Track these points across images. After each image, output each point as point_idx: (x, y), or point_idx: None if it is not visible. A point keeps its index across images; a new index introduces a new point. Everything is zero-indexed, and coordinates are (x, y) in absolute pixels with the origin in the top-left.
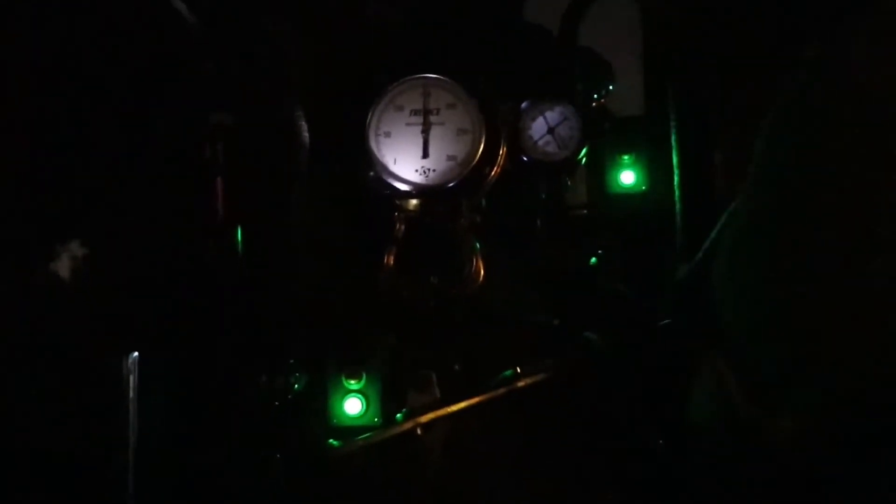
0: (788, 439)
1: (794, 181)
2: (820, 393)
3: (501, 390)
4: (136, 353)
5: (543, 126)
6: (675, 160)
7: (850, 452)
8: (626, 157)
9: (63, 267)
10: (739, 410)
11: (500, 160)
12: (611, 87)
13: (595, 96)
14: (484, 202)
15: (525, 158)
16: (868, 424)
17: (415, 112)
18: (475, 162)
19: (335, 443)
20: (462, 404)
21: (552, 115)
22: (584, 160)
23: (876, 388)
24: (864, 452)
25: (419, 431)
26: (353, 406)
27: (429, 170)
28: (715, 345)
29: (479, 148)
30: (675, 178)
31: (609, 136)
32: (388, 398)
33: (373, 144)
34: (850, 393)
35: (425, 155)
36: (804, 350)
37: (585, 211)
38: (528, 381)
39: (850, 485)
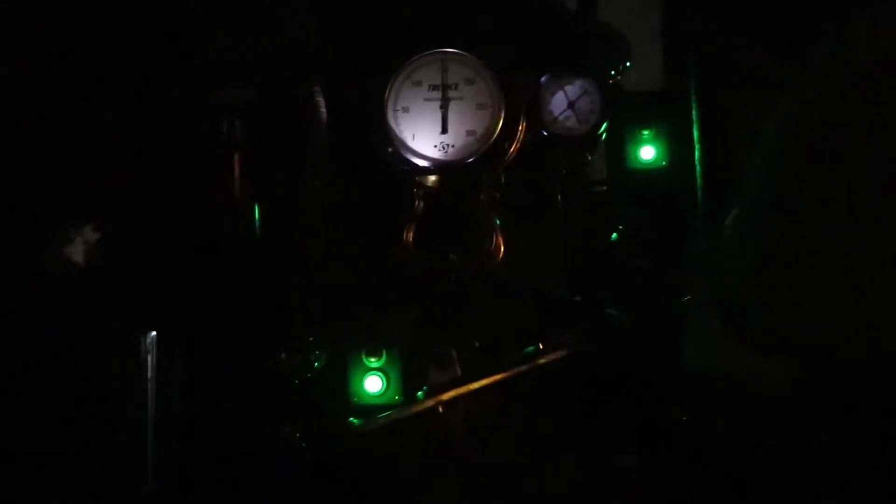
0: (775, 383)
1: (798, 157)
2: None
3: (523, 367)
4: (153, 333)
5: (563, 100)
6: (695, 135)
7: (830, 400)
8: (645, 133)
9: (77, 250)
10: (730, 357)
11: (520, 135)
12: (628, 63)
13: (613, 72)
14: (503, 178)
15: (545, 133)
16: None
17: (433, 87)
18: (494, 137)
19: (356, 421)
20: (483, 381)
21: (572, 90)
22: (604, 135)
23: (853, 348)
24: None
25: (440, 409)
26: (373, 384)
27: (448, 145)
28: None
29: (498, 123)
30: (696, 153)
31: (628, 112)
32: (408, 376)
33: (391, 120)
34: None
35: (444, 130)
36: (795, 306)
37: (605, 187)
38: (550, 357)
39: (832, 428)
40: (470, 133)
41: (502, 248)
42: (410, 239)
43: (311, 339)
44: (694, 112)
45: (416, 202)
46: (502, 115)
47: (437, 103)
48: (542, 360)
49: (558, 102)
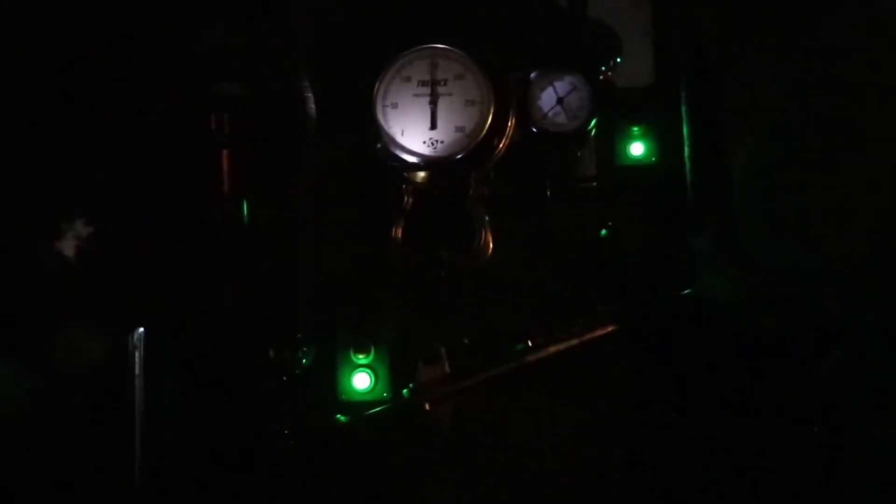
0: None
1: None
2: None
3: (512, 364)
4: (141, 329)
5: (553, 96)
6: (685, 131)
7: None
8: (635, 129)
9: (68, 245)
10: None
11: (509, 131)
12: (619, 60)
13: (603, 68)
14: (492, 174)
15: (534, 129)
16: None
17: (422, 83)
18: (483, 133)
19: (343, 418)
20: (472, 380)
21: (561, 86)
22: (593, 131)
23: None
24: None
25: (427, 406)
26: (361, 381)
27: (437, 141)
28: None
29: (487, 119)
30: (686, 149)
31: (619, 108)
32: (397, 373)
33: (380, 116)
34: None
35: (433, 126)
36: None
37: (594, 182)
38: (538, 355)
39: None
40: (459, 129)
41: (491, 245)
42: (399, 235)
43: (299, 335)
44: (684, 108)
45: (406, 198)
46: (491, 111)
47: (427, 99)
48: (530, 358)
49: (548, 98)
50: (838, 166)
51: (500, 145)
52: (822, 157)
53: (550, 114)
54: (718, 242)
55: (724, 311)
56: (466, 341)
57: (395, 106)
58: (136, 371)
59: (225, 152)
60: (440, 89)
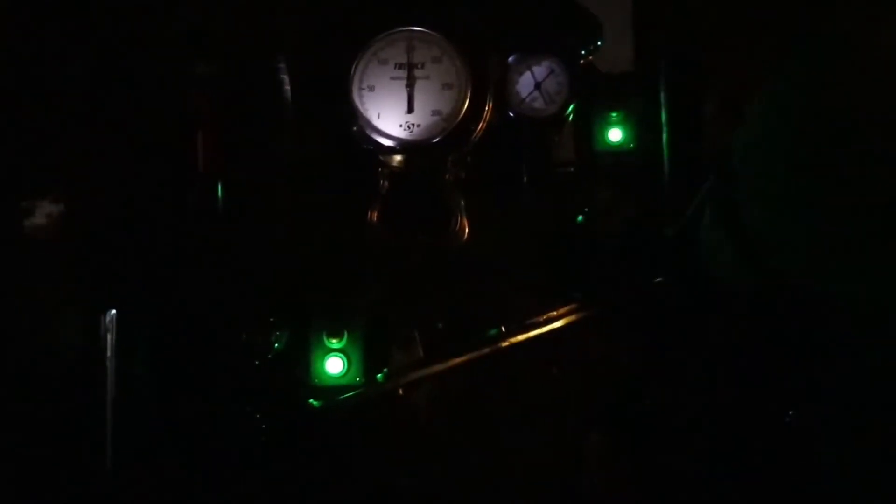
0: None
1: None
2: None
3: (485, 350)
4: (113, 311)
5: (530, 81)
6: (663, 117)
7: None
8: (613, 114)
9: (38, 224)
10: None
11: (486, 115)
12: (599, 44)
13: (583, 52)
14: (469, 158)
15: (511, 114)
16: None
17: (399, 66)
18: (460, 117)
19: (316, 403)
20: (445, 365)
21: (539, 70)
22: (571, 116)
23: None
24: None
25: (400, 392)
26: (334, 365)
27: (413, 125)
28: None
29: (464, 103)
30: (664, 136)
31: (597, 93)
32: (370, 357)
33: (356, 98)
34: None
35: (410, 110)
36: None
37: (572, 168)
38: (513, 340)
39: None
40: (436, 113)
41: (467, 229)
42: (375, 219)
43: (272, 319)
44: (662, 95)
45: (381, 182)
46: (469, 94)
47: (404, 82)
48: (504, 344)
49: (525, 83)
50: (824, 154)
51: (477, 129)
52: (807, 143)
53: (528, 98)
54: (693, 229)
55: (700, 297)
56: (441, 326)
57: (371, 88)
58: (108, 353)
59: (200, 133)
60: (417, 72)
